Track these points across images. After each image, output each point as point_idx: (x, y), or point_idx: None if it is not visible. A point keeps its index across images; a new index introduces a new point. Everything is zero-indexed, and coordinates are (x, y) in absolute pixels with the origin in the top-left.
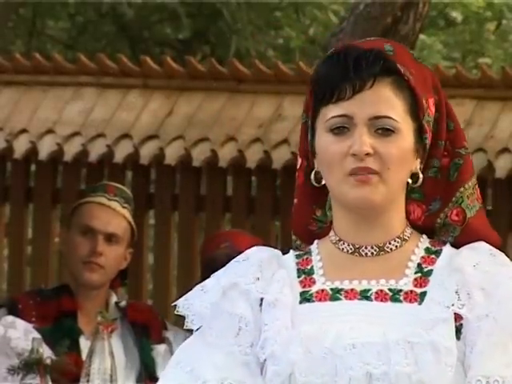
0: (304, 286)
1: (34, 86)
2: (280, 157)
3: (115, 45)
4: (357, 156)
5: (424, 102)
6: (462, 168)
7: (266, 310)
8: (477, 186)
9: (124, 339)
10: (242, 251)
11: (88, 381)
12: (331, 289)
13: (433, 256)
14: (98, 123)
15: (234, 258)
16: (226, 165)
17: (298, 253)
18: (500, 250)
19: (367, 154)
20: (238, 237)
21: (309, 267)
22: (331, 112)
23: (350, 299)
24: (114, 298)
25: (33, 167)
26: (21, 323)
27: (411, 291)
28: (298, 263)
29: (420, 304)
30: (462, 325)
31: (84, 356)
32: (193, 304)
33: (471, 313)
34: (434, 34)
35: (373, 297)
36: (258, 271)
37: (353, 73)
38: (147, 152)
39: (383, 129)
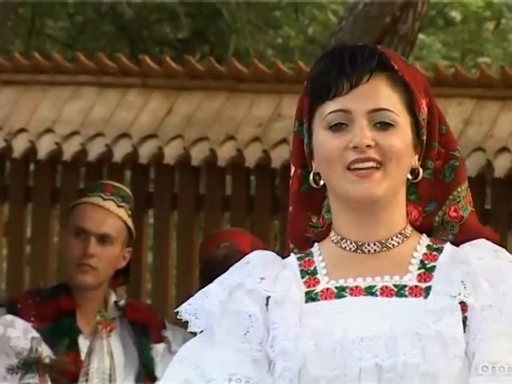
0: (309, 286)
1: (33, 85)
2: (279, 156)
3: (114, 44)
4: (358, 148)
5: (419, 98)
6: (458, 169)
7: (273, 309)
8: (469, 190)
9: (123, 338)
10: (242, 250)
11: (87, 380)
12: (336, 287)
13: (435, 253)
14: (97, 122)
15: (233, 256)
16: (225, 164)
17: (299, 255)
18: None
19: (368, 146)
20: (237, 236)
21: (312, 268)
22: (328, 108)
23: (356, 296)
24: (113, 298)
25: (32, 166)
26: (20, 322)
27: (416, 286)
28: (300, 265)
29: (425, 298)
30: (466, 317)
31: (83, 355)
32: (199, 306)
33: (477, 302)
34: (433, 33)
35: (378, 292)
36: (262, 271)
37: (349, 68)
38: (146, 151)
39: (382, 122)
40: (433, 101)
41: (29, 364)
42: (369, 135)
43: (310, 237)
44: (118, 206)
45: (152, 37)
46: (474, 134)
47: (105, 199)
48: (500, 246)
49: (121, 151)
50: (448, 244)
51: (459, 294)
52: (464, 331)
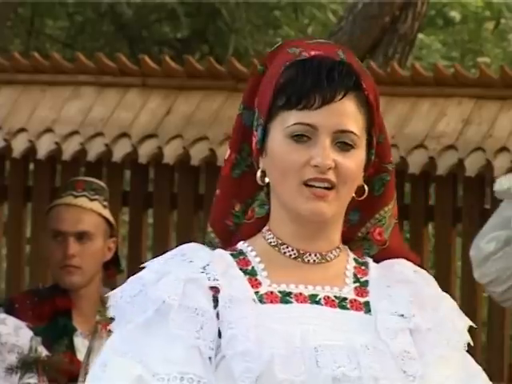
0: (252, 287)
1: (32, 85)
2: None
3: (114, 44)
4: (319, 168)
5: (378, 118)
6: (388, 184)
7: (226, 307)
8: (395, 203)
9: None
10: None
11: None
12: (279, 291)
13: (363, 267)
14: (96, 122)
15: None
16: None
17: (231, 252)
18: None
19: (329, 168)
20: None
21: (250, 268)
22: (295, 118)
23: (302, 303)
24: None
25: (31, 166)
26: (12, 320)
27: (355, 300)
28: (237, 262)
29: (367, 313)
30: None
31: (78, 354)
32: (136, 296)
33: (423, 324)
34: (433, 33)
35: (322, 302)
36: (213, 269)
37: (325, 83)
38: (146, 151)
39: (343, 143)
40: (378, 108)
41: (28, 364)
42: (331, 155)
43: (229, 225)
44: (91, 200)
45: (151, 36)
46: (474, 133)
47: (76, 196)
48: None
49: (120, 151)
50: (369, 259)
51: (413, 316)
52: None
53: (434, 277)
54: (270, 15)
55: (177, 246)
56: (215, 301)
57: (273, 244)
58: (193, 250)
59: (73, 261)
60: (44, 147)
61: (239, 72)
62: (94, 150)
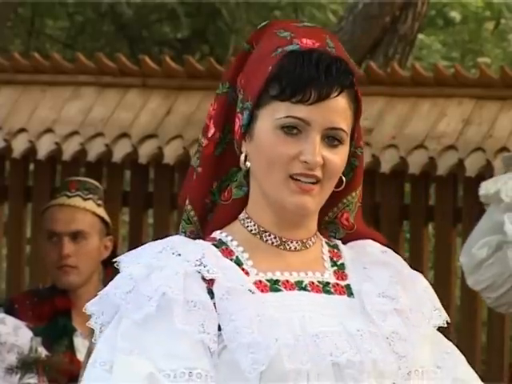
0: None
1: (32, 85)
2: None
3: (114, 44)
4: (308, 164)
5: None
6: (357, 170)
7: (224, 299)
8: (361, 187)
9: None
10: None
11: None
12: (267, 280)
13: (335, 250)
14: (96, 122)
15: None
16: None
17: (212, 242)
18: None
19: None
20: None
21: (234, 258)
22: (288, 111)
23: (290, 290)
24: None
25: (31, 166)
26: (11, 319)
27: (337, 284)
28: (221, 252)
29: (350, 296)
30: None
31: (78, 354)
32: (130, 292)
33: (406, 304)
34: (433, 33)
35: (309, 288)
36: (206, 261)
37: (323, 78)
38: (146, 151)
39: (332, 138)
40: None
41: (28, 364)
42: (320, 152)
43: (207, 203)
44: (85, 200)
45: (152, 37)
46: (474, 134)
47: (70, 197)
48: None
49: (120, 151)
50: (338, 241)
51: (400, 297)
52: None
53: (434, 277)
54: (270, 15)
55: None
56: (210, 293)
57: (254, 232)
58: (181, 244)
59: (68, 261)
60: (44, 147)
61: None
62: (94, 150)
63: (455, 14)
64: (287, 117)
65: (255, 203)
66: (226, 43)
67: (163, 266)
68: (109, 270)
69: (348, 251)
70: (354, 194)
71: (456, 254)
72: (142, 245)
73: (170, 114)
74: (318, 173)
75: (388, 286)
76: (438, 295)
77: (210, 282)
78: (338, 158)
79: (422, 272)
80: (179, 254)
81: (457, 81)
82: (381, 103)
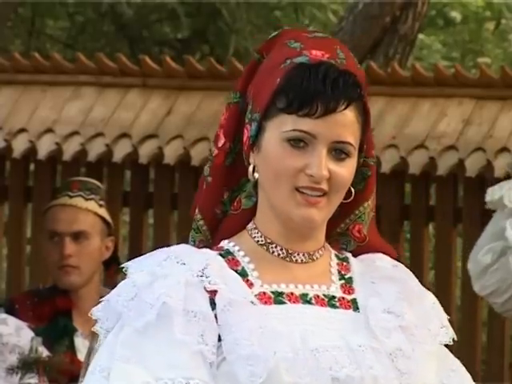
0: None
1: (33, 85)
2: None
3: (114, 44)
4: (314, 178)
5: (370, 121)
6: (369, 180)
7: (225, 310)
8: (374, 197)
9: None
10: None
11: None
12: (272, 292)
13: (345, 263)
14: (97, 122)
15: None
16: None
17: (218, 252)
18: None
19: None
20: None
21: (240, 268)
22: (294, 124)
23: (294, 303)
24: None
25: (32, 166)
26: (12, 320)
27: (343, 298)
28: (227, 263)
29: (355, 311)
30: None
31: (79, 354)
32: (132, 299)
33: (411, 320)
34: (433, 33)
35: (313, 301)
36: (208, 271)
37: (330, 92)
38: (146, 151)
39: (340, 151)
40: (367, 100)
41: (29, 364)
42: (326, 166)
43: (218, 213)
44: (86, 200)
45: (152, 37)
46: (474, 134)
47: (71, 197)
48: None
49: (121, 151)
50: (347, 254)
51: (400, 313)
52: None
53: (434, 277)
54: (271, 15)
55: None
56: (212, 303)
57: (260, 243)
58: (186, 253)
59: (70, 261)
60: (44, 147)
61: (240, 72)
62: (95, 150)
63: (455, 14)
64: (293, 130)
65: (263, 214)
66: (227, 43)
67: (167, 274)
68: (110, 271)
69: (358, 264)
70: (366, 204)
71: (456, 254)
72: (142, 245)
73: (170, 114)
74: (324, 186)
75: (394, 303)
76: (438, 295)
77: (212, 293)
78: (346, 170)
79: (422, 272)
80: (184, 263)
81: (457, 81)
82: (381, 103)
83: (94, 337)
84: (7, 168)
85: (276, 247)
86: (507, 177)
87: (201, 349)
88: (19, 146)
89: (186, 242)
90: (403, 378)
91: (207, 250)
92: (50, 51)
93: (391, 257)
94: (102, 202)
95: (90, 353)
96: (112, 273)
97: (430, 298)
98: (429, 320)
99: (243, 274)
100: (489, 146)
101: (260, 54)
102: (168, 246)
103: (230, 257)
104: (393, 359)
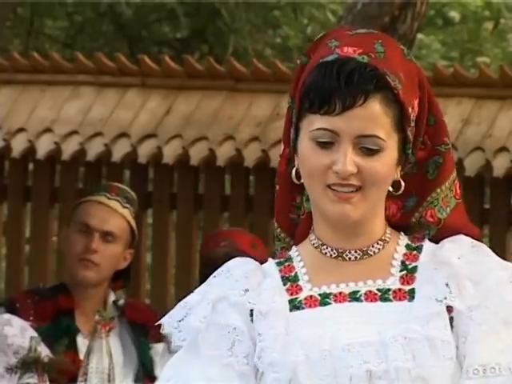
0: (291, 294)
1: (32, 85)
2: (278, 156)
3: (113, 44)
4: (339, 174)
5: (410, 111)
6: (442, 167)
7: (258, 320)
8: (456, 181)
9: (122, 338)
10: (241, 249)
11: (86, 380)
12: (319, 294)
13: (415, 252)
14: (95, 122)
15: (233, 256)
16: (224, 164)
17: (277, 260)
18: (497, 247)
19: (351, 174)
20: (237, 235)
21: (293, 274)
22: (317, 123)
23: (340, 302)
24: (112, 297)
25: (31, 166)
26: (17, 321)
27: (399, 289)
28: (280, 271)
29: (410, 301)
30: (452, 318)
31: (81, 355)
32: (181, 319)
33: (463, 304)
34: (432, 33)
35: (363, 298)
36: (246, 283)
37: (345, 88)
38: (145, 151)
39: (368, 148)
40: (425, 93)
41: (28, 364)
42: (352, 161)
43: (294, 218)
44: (123, 207)
45: (151, 36)
46: (473, 133)
47: (109, 198)
48: (498, 244)
49: (120, 151)
50: (426, 241)
51: (445, 298)
52: (452, 332)
53: None
54: (270, 15)
55: (176, 246)
56: (251, 315)
57: (315, 245)
58: (236, 267)
59: (93, 256)
60: (43, 147)
61: (239, 72)
62: (94, 149)
63: (454, 14)
64: (318, 129)
65: (315, 216)
66: (226, 43)
67: (209, 292)
68: (117, 284)
69: (428, 253)
70: (438, 190)
71: None
72: (140, 244)
73: (169, 113)
74: (354, 181)
75: (441, 289)
76: None
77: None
78: (377, 165)
79: None
80: (235, 280)
81: (456, 80)
82: None
83: (93, 336)
84: (6, 168)
85: (327, 248)
86: (507, 176)
87: (230, 362)
88: (18, 145)
89: (187, 243)
90: (446, 364)
91: (253, 262)
92: (48, 51)
93: (473, 237)
94: (134, 215)
95: (89, 352)
96: (118, 286)
97: (496, 276)
98: (488, 299)
99: (294, 280)
100: (488, 145)
101: (307, 56)
102: (166, 245)
103: (287, 263)
104: (433, 346)
